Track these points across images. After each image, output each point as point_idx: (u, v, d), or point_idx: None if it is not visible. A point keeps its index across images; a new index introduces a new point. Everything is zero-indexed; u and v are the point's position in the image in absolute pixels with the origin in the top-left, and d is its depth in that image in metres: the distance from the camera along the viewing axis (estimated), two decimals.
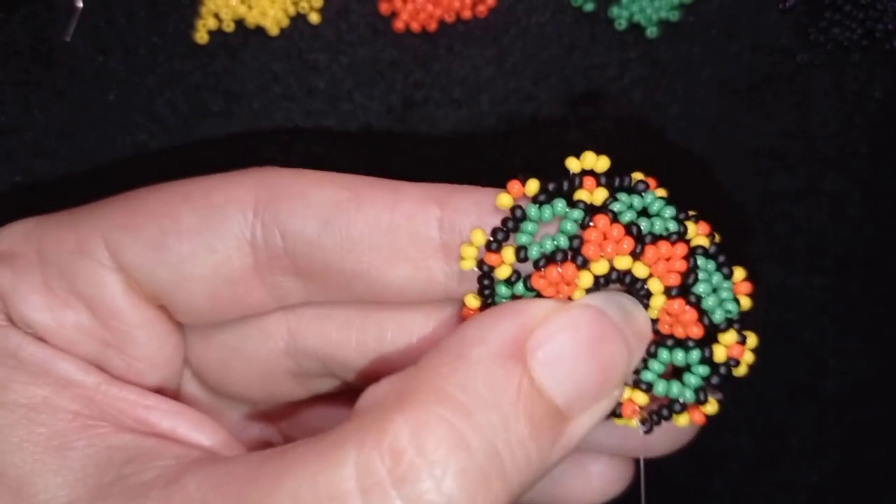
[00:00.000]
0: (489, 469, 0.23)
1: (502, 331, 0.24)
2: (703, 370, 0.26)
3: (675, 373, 0.27)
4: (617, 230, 0.25)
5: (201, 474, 0.24)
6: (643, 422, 0.27)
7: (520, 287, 0.26)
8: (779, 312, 0.43)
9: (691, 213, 0.27)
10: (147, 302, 0.29)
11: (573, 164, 0.27)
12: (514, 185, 0.26)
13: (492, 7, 0.42)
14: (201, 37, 0.41)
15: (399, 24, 0.41)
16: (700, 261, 0.26)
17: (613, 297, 0.26)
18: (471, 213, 0.27)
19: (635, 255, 0.26)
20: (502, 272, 0.26)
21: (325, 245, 0.28)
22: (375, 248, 0.27)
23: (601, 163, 0.27)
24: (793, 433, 0.44)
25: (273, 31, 0.41)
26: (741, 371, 0.27)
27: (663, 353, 0.26)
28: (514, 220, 0.26)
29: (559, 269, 0.26)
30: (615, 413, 0.27)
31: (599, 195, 0.26)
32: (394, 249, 0.27)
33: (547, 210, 0.26)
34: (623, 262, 0.26)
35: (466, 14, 0.41)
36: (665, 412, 0.27)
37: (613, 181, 0.26)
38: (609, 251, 0.26)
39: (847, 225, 0.43)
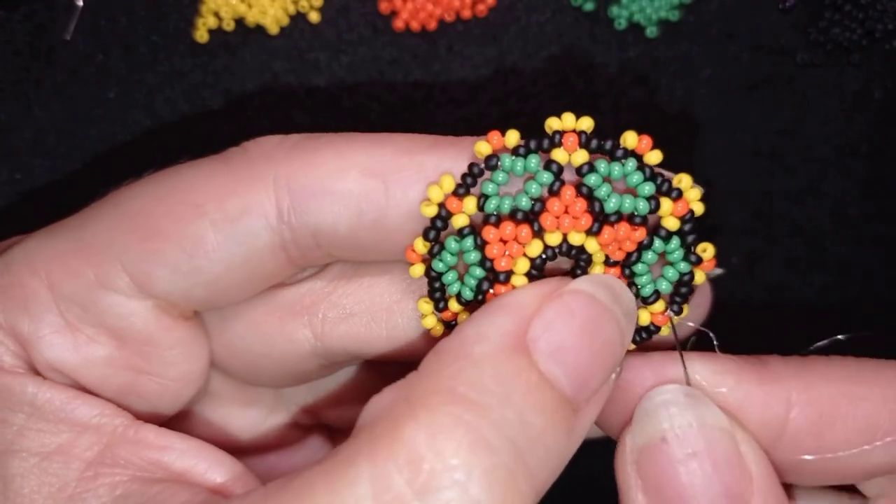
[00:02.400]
0: (515, 468, 0.22)
1: (500, 325, 0.24)
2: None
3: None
4: (580, 205, 0.25)
5: None
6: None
7: (468, 242, 0.26)
8: (779, 312, 0.43)
9: (679, 183, 0.26)
10: (179, 319, 0.29)
11: (554, 124, 0.26)
12: (495, 135, 0.26)
13: (491, 6, 0.42)
14: (201, 35, 0.41)
15: (399, 24, 0.41)
16: (658, 243, 0.26)
17: (599, 279, 0.26)
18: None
19: (591, 232, 0.26)
20: (458, 221, 0.26)
21: (359, 235, 0.27)
22: (410, 229, 0.27)
23: (584, 123, 0.26)
24: None
25: (273, 29, 0.41)
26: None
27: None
28: (485, 168, 0.26)
29: (513, 227, 0.26)
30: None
31: (578, 157, 0.26)
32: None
33: (519, 163, 0.26)
34: (576, 239, 0.26)
35: (466, 13, 0.41)
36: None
37: (595, 143, 0.26)
38: (566, 225, 0.26)
39: (847, 225, 0.43)
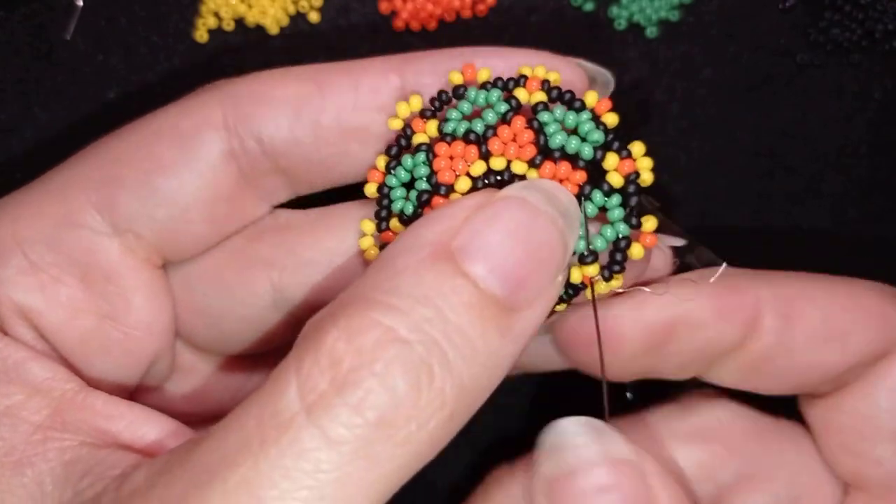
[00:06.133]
0: (429, 358, 0.22)
1: (426, 238, 0.24)
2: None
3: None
4: (527, 136, 0.26)
5: (149, 464, 0.23)
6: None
7: (420, 157, 0.27)
8: None
9: (635, 149, 0.27)
10: (144, 263, 0.30)
11: (526, 71, 0.28)
12: (469, 68, 0.28)
13: (492, 6, 0.42)
14: (201, 35, 0.41)
15: (399, 24, 0.41)
16: (597, 196, 0.26)
17: (531, 183, 0.26)
18: (429, 74, 0.29)
19: (533, 164, 0.26)
20: (417, 139, 0.28)
21: (300, 138, 0.29)
22: (349, 130, 0.29)
23: (552, 76, 0.28)
24: None
25: (273, 29, 0.41)
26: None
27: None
28: (452, 96, 0.28)
29: (463, 147, 0.27)
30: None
31: (536, 97, 0.27)
32: (366, 127, 0.29)
33: (482, 95, 0.28)
34: (519, 168, 0.26)
35: (466, 13, 0.41)
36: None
37: (556, 92, 0.27)
38: (511, 153, 0.26)
39: (847, 225, 0.43)
